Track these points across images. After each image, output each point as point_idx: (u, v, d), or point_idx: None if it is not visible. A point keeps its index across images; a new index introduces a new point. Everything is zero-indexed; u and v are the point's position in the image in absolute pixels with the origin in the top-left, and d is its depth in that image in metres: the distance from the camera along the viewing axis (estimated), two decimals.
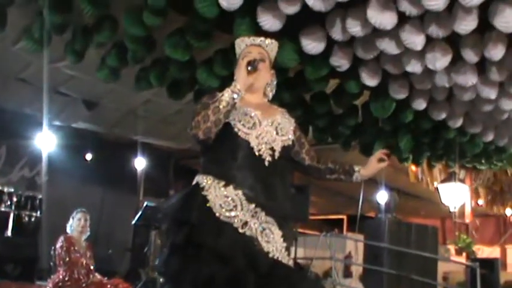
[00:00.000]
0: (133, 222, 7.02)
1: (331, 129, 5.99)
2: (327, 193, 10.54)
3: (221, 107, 2.02)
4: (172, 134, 7.65)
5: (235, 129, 2.09)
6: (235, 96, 2.05)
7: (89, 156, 8.50)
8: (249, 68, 2.12)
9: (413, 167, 8.91)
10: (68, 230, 4.82)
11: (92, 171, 8.21)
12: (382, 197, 8.12)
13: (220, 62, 4.38)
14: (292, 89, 4.86)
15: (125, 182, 8.75)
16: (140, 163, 8.79)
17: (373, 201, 8.75)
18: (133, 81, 5.06)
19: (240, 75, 2.10)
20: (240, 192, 2.02)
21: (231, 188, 2.02)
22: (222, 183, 2.03)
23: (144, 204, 6.82)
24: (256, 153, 2.09)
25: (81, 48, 4.50)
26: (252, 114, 2.14)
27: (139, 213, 6.75)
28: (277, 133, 2.16)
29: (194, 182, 2.09)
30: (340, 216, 13.25)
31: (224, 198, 2.00)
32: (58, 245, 4.64)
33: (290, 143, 2.19)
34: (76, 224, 4.82)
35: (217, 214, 1.98)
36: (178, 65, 4.53)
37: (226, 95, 2.04)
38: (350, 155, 7.92)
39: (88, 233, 4.89)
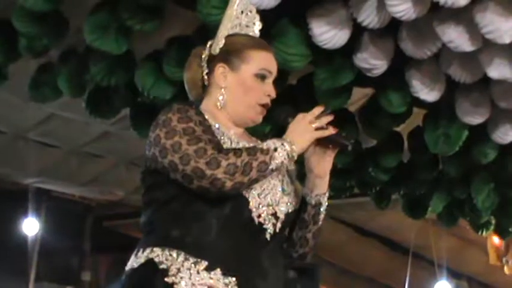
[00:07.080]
0: None
1: (358, 173, 5.99)
2: (348, 278, 10.54)
3: (271, 167, 2.12)
4: (90, 174, 7.63)
5: None
6: (285, 160, 2.16)
7: None
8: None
9: (495, 239, 8.92)
10: None
11: None
12: None
13: (175, 58, 4.40)
14: (296, 105, 4.89)
15: (6, 257, 8.60)
16: (33, 225, 8.71)
17: None
18: (27, 87, 5.06)
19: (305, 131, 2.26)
20: (232, 280, 2.08)
21: (218, 272, 2.07)
22: (203, 264, 2.07)
23: None
24: (256, 221, 2.16)
25: None
26: None
27: None
28: (283, 190, 2.25)
29: (142, 260, 2.12)
30: None
31: None
32: None
33: (297, 207, 2.31)
34: None
35: None
36: (107, 62, 4.54)
37: (282, 154, 2.13)
38: (387, 216, 7.95)
39: None
